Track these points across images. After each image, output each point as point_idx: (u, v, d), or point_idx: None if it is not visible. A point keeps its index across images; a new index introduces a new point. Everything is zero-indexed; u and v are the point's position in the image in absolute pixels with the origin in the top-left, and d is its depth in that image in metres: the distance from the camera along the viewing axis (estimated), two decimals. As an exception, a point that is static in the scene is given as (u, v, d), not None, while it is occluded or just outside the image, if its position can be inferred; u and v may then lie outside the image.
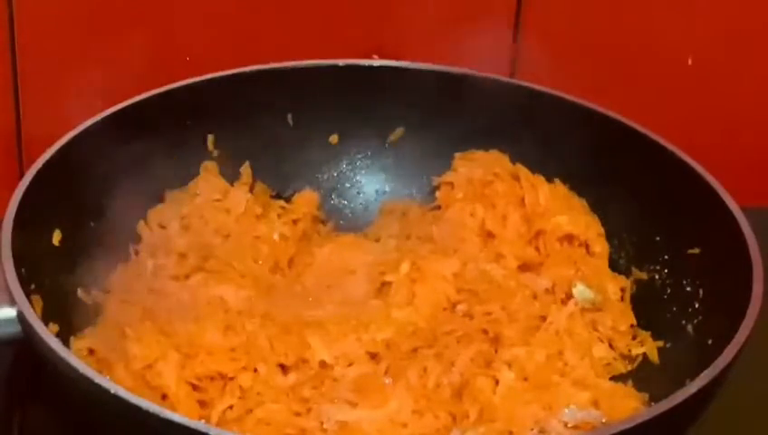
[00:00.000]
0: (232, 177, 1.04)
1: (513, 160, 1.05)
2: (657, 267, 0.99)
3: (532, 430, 0.85)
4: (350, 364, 0.90)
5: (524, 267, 1.00)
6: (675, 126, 1.03)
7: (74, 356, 0.79)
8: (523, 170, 1.03)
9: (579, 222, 1.00)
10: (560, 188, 1.03)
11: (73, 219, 0.94)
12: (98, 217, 0.96)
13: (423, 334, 0.94)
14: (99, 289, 0.95)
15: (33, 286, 0.87)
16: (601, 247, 1.01)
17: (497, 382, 0.89)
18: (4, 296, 0.83)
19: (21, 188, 0.90)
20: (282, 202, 1.05)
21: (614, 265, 1.01)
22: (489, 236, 1.01)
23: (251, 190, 1.04)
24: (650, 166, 1.00)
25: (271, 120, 1.06)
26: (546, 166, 1.04)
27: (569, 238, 1.00)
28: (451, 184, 1.05)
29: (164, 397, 0.85)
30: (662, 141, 1.00)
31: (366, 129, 1.08)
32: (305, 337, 0.90)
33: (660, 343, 0.96)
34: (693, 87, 1.19)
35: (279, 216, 1.03)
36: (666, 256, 0.99)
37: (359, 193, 1.09)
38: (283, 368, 0.89)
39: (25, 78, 1.12)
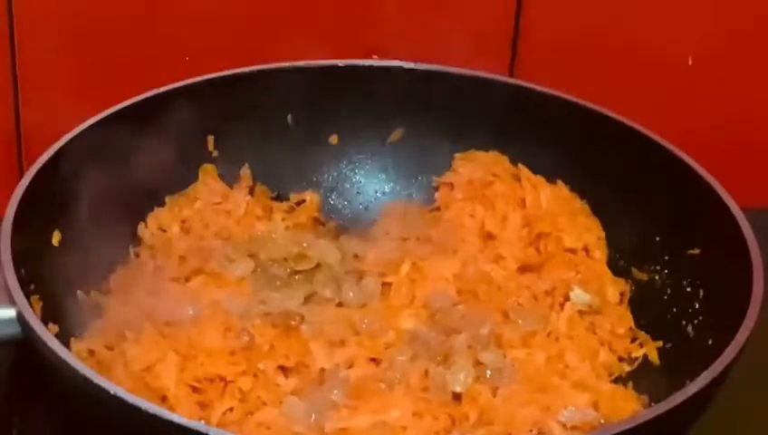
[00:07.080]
0: (232, 178, 1.04)
1: (513, 161, 1.05)
2: (657, 268, 0.99)
3: (531, 431, 0.85)
4: (349, 367, 0.90)
5: (524, 268, 1.00)
6: (675, 126, 1.03)
7: (74, 357, 0.79)
8: (524, 171, 1.03)
9: (581, 235, 1.00)
10: (561, 189, 1.03)
11: (73, 219, 0.94)
12: (98, 217, 0.96)
13: (423, 336, 0.93)
14: (99, 290, 0.95)
15: (32, 287, 0.87)
16: (601, 252, 1.00)
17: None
18: (4, 296, 0.83)
19: (21, 188, 0.90)
20: (282, 204, 1.05)
21: (614, 266, 1.01)
22: (489, 236, 1.01)
23: (251, 192, 1.04)
24: (650, 166, 1.00)
25: (271, 120, 1.06)
26: (545, 166, 1.04)
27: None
28: (451, 184, 1.05)
29: (163, 399, 0.85)
30: (662, 141, 1.00)
31: (366, 129, 1.08)
32: (305, 340, 0.90)
33: (660, 344, 0.96)
34: (693, 87, 1.19)
35: (281, 218, 1.03)
36: (666, 257, 0.99)
37: (359, 193, 1.09)
38: (284, 370, 0.89)
39: (25, 78, 1.12)
